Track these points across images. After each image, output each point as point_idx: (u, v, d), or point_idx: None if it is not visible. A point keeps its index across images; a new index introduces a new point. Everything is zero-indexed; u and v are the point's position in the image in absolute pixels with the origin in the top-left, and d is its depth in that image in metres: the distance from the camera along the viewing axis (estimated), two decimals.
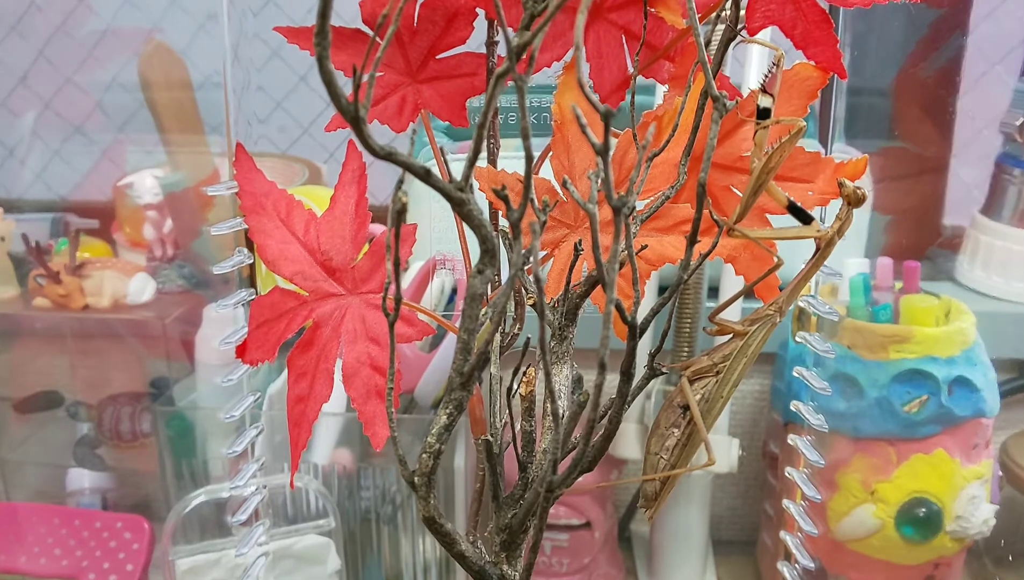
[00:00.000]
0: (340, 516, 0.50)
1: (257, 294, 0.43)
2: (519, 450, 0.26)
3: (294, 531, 0.49)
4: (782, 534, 0.43)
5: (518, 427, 0.30)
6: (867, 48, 0.63)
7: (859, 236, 0.59)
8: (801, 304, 0.41)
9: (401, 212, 0.21)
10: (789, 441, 0.42)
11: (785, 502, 0.42)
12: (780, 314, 0.25)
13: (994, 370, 0.53)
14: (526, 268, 0.34)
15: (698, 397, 0.24)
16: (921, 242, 0.65)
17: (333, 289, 0.38)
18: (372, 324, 0.37)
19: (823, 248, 0.24)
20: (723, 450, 0.52)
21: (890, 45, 0.63)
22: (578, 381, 0.24)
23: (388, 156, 0.21)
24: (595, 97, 0.34)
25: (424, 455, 0.23)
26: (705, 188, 0.22)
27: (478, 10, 0.35)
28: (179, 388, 0.55)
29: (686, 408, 0.24)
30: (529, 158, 0.21)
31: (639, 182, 0.28)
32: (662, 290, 0.57)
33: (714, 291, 0.55)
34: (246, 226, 0.38)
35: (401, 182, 0.22)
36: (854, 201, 0.23)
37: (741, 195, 0.37)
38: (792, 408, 0.41)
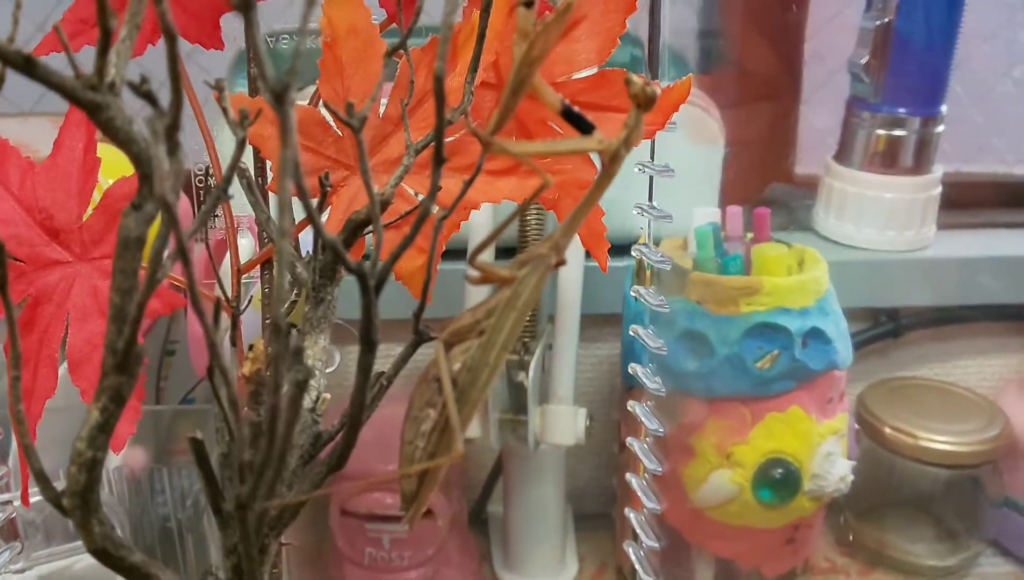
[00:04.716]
0: (130, 527, 0.43)
1: None
2: (240, 450, 0.20)
3: (70, 550, 0.41)
4: (626, 511, 0.38)
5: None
6: None
7: (710, 183, 0.55)
8: (635, 254, 0.36)
9: None
10: (628, 407, 0.37)
11: (628, 476, 0.38)
12: (557, 253, 0.19)
13: (847, 320, 0.50)
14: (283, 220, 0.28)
15: (457, 365, 0.18)
16: (768, 181, 0.63)
17: (57, 255, 0.30)
18: (107, 297, 0.30)
19: (607, 165, 0.19)
20: (568, 421, 0.47)
21: None
22: (297, 354, 0.18)
23: None
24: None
25: (74, 468, 0.17)
26: (442, 82, 0.16)
27: None
28: None
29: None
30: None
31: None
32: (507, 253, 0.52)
33: None
34: None
35: None
36: (643, 101, 0.18)
37: (560, 130, 0.32)
38: (629, 371, 0.36)
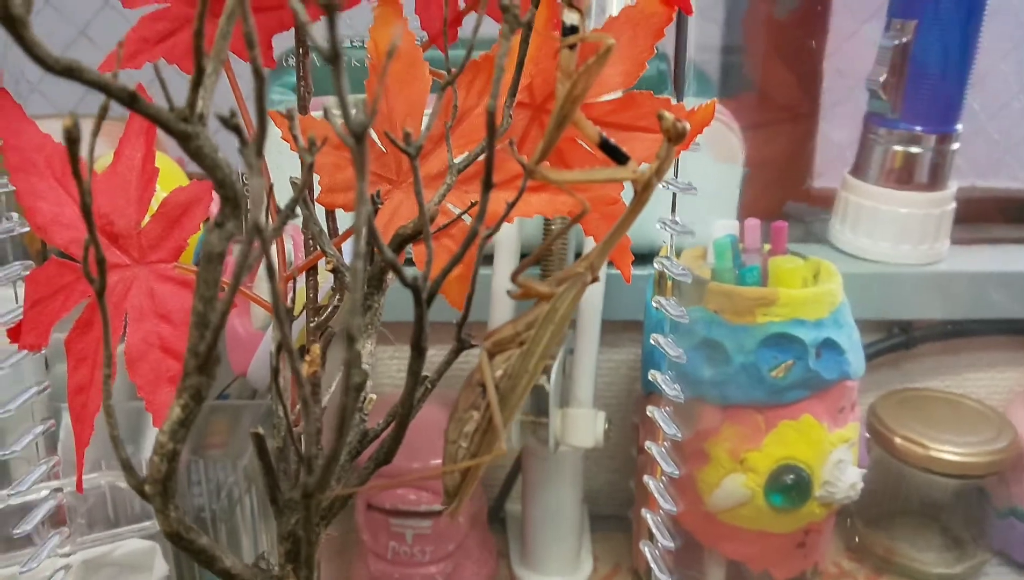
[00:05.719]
0: None
1: (36, 266, 0.37)
2: (299, 446, 0.22)
3: (111, 536, 0.43)
4: (643, 512, 0.40)
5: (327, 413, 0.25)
6: None
7: (730, 197, 0.56)
8: (657, 266, 0.38)
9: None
10: (648, 413, 0.39)
11: (645, 478, 0.40)
12: (592, 272, 0.21)
13: (859, 331, 0.52)
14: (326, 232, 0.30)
15: (499, 373, 0.20)
16: (786, 198, 0.64)
17: (116, 258, 0.32)
18: (162, 298, 0.32)
19: (640, 192, 0.21)
20: (588, 424, 0.49)
21: None
22: (356, 359, 0.19)
23: (69, 70, 0.16)
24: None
25: (156, 458, 0.19)
26: (494, 116, 0.18)
27: None
28: None
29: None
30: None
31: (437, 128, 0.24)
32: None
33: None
34: (13, 187, 0.32)
35: None
36: (674, 136, 0.19)
37: (586, 147, 0.33)
38: (649, 378, 0.38)
